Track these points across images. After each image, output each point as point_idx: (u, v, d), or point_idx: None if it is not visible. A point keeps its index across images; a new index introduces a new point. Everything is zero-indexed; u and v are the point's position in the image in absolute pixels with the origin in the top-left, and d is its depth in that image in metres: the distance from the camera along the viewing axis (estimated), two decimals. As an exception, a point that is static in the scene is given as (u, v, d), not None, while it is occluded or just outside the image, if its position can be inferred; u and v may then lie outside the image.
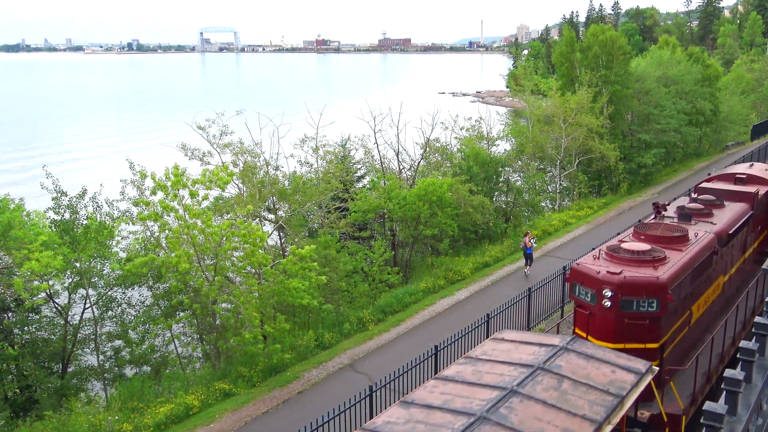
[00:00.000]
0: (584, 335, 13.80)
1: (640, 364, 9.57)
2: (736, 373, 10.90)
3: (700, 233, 15.80)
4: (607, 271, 13.41)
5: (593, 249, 16.13)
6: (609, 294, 13.18)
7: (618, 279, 13.18)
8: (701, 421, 10.13)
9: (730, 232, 16.82)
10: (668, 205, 18.38)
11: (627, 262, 13.84)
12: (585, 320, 13.89)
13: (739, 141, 57.24)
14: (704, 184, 20.90)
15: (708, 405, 10.08)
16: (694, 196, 19.66)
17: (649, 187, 41.92)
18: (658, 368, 10.56)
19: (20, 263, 17.28)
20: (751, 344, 12.14)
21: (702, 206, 17.82)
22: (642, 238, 15.46)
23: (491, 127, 38.22)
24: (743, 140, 57.52)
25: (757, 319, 13.28)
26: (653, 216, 17.80)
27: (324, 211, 26.55)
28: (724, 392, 10.91)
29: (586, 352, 9.69)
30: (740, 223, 17.69)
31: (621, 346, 13.05)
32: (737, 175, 20.97)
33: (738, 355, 12.24)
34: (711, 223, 16.76)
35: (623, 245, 14.50)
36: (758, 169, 21.98)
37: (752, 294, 18.01)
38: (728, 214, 17.72)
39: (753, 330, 13.29)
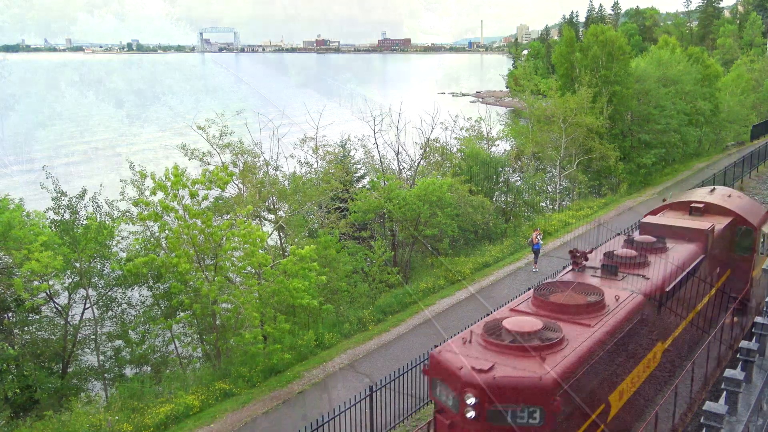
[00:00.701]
0: None
1: None
2: (736, 373, 10.91)
3: (624, 295, 12.12)
4: (473, 367, 9.57)
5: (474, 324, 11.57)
6: (472, 401, 9.44)
7: (485, 380, 9.37)
8: (701, 421, 10.13)
9: (668, 289, 13.23)
10: (590, 253, 14.19)
11: (505, 350, 10.02)
12: (446, 431, 10.23)
13: (739, 141, 57.24)
14: (649, 218, 17.17)
15: (708, 405, 10.09)
16: (633, 235, 15.84)
17: (649, 187, 41.93)
18: None
19: (20, 263, 17.30)
20: (751, 344, 12.16)
21: (635, 253, 14.02)
22: (540, 307, 11.55)
23: (491, 127, 38.36)
24: (743, 140, 57.52)
25: (757, 319, 13.27)
26: (570, 268, 13.81)
27: (324, 211, 26.57)
28: (725, 392, 10.93)
29: None
30: (684, 273, 14.02)
31: None
32: (693, 205, 17.52)
33: (738, 355, 12.25)
34: (643, 276, 13.10)
35: (506, 322, 10.56)
36: (719, 196, 18.38)
37: (703, 357, 14.09)
38: (669, 262, 14.07)
39: (753, 330, 13.28)
